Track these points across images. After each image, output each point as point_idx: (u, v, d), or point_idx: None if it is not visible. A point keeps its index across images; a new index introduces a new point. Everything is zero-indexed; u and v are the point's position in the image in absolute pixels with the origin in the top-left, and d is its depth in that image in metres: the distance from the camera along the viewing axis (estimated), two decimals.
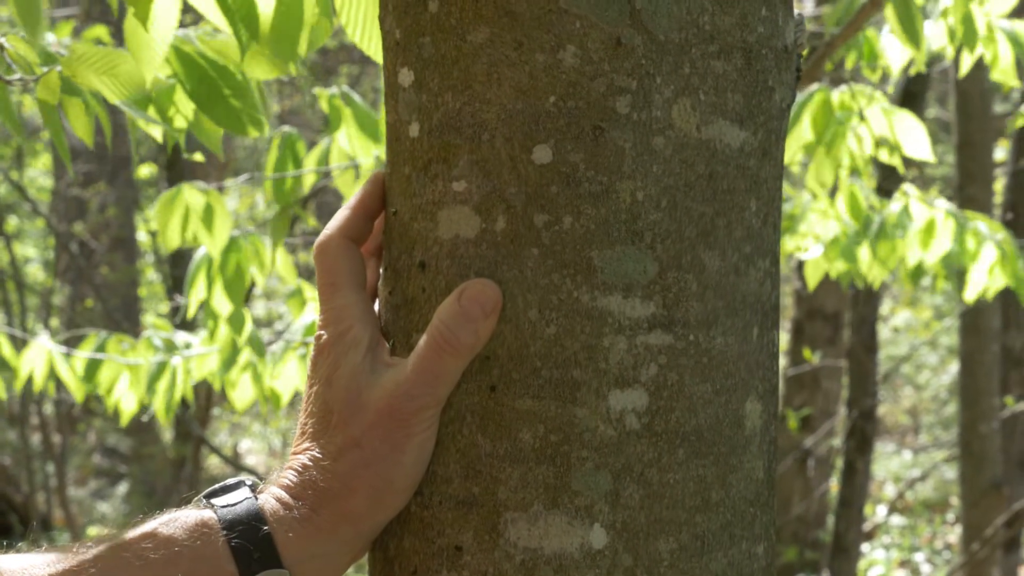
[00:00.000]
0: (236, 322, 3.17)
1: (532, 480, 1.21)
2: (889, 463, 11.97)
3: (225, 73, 1.88)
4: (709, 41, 1.23)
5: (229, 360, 3.29)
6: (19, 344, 4.09)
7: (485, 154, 1.22)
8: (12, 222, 11.60)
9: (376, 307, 1.32)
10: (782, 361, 9.58)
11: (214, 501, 1.27)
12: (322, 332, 1.29)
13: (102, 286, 11.77)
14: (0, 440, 11.71)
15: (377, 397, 1.23)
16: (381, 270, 1.33)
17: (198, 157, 2.42)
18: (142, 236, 12.72)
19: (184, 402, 3.54)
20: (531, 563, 1.21)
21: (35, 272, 13.35)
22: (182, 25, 1.88)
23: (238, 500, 1.27)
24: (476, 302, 1.21)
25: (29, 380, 3.52)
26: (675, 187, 1.22)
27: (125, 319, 10.50)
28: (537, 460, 1.21)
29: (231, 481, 1.30)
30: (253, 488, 1.28)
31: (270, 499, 1.26)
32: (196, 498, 1.30)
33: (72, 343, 3.56)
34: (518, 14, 1.20)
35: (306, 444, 1.28)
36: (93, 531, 11.13)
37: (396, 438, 1.23)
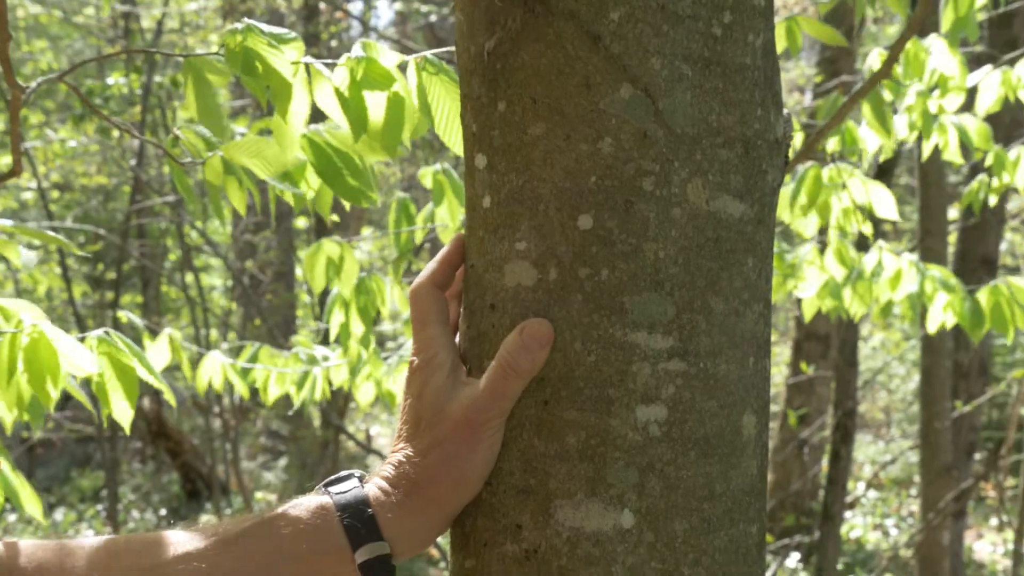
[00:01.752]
0: (365, 341, 3.20)
1: (576, 474, 1.20)
2: (867, 450, 11.90)
3: (346, 157, 1.88)
4: (716, 134, 1.21)
5: (355, 371, 3.32)
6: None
7: (541, 221, 1.21)
8: (201, 259, 11.67)
9: (456, 339, 1.31)
10: (784, 372, 9.54)
11: (330, 489, 1.27)
12: (414, 358, 1.28)
13: (267, 309, 11.85)
14: (191, 426, 11.77)
15: (456, 409, 1.23)
16: (461, 310, 1.31)
17: (335, 218, 2.42)
18: (298, 271, 12.91)
19: (333, 396, 3.60)
20: (575, 538, 1.19)
21: (217, 298, 13.45)
22: (314, 121, 1.88)
23: (348, 488, 1.27)
24: (534, 337, 1.20)
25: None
26: (689, 247, 1.20)
27: (283, 335, 10.55)
28: (580, 459, 1.19)
29: (344, 473, 1.30)
30: (360, 479, 1.28)
31: (373, 487, 1.26)
32: (317, 487, 1.29)
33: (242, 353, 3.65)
34: (567, 113, 1.19)
35: (401, 445, 1.27)
36: (259, 495, 11.20)
37: (471, 441, 1.22)
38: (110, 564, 1.22)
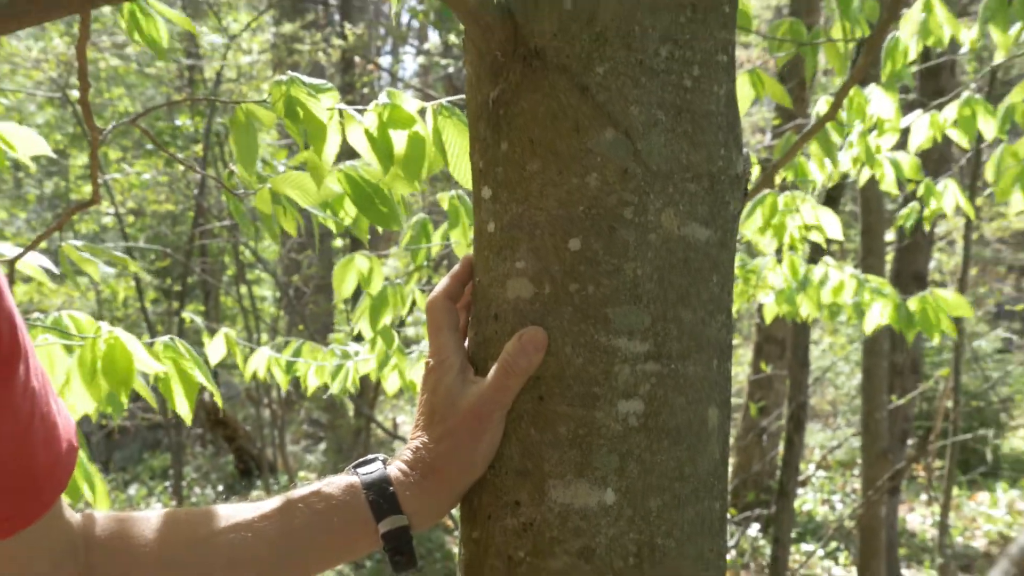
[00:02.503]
0: (387, 339, 3.20)
1: (566, 459, 1.19)
2: (816, 436, 11.87)
3: (376, 188, 1.89)
4: (686, 171, 1.21)
5: (382, 363, 3.32)
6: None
7: (537, 244, 1.20)
8: (253, 274, 11.69)
9: (465, 343, 1.31)
10: (747, 370, 9.52)
11: (358, 470, 1.28)
12: (429, 360, 1.29)
13: (308, 316, 11.82)
14: (244, 415, 11.76)
15: (465, 403, 1.23)
16: (469, 319, 1.31)
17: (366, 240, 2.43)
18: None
19: (361, 386, 3.60)
20: (565, 513, 1.19)
21: (267, 307, 13.45)
22: (349, 158, 1.89)
23: (373, 470, 1.27)
24: (531, 342, 1.20)
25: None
26: (663, 267, 1.20)
27: (322, 339, 10.57)
28: (570, 446, 1.19)
29: (369, 457, 1.30)
30: (384, 462, 1.28)
31: (394, 469, 1.27)
32: (347, 468, 1.30)
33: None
34: (560, 152, 1.19)
35: (418, 433, 1.28)
36: (302, 474, 11.18)
37: (477, 431, 1.22)
38: (170, 533, 1.22)
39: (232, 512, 1.25)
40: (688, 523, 1.22)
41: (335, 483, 1.27)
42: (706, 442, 1.23)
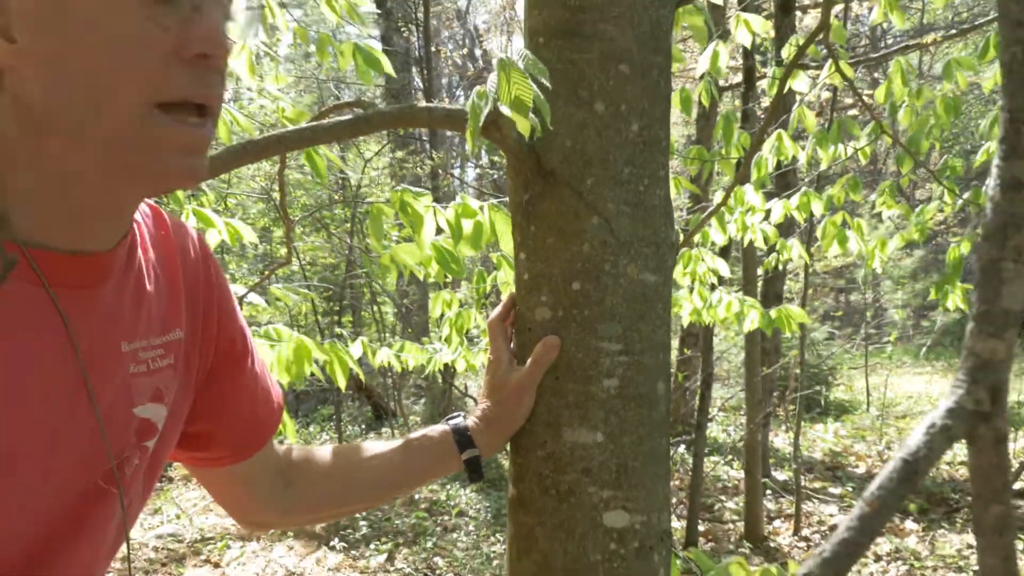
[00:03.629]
0: (459, 340, 3.18)
1: (573, 415, 1.17)
2: (719, 392, 11.76)
3: (451, 254, 1.88)
4: (641, 240, 1.19)
5: (455, 353, 3.30)
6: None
7: (553, 286, 1.19)
8: (381, 298, 11.66)
9: (511, 346, 1.28)
10: (674, 354, 9.47)
11: (448, 422, 1.26)
12: (490, 357, 1.27)
13: (414, 325, 11.80)
14: (376, 382, 11.67)
15: (512, 382, 1.20)
16: (513, 332, 1.28)
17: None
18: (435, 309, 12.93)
19: (445, 367, 3.55)
20: (572, 447, 1.17)
21: (389, 318, 13.39)
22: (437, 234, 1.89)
23: (458, 421, 1.25)
24: (550, 345, 1.18)
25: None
26: (629, 298, 1.18)
27: (422, 339, 10.58)
28: (575, 407, 1.17)
29: (455, 413, 1.28)
30: (464, 416, 1.26)
31: (470, 421, 1.25)
32: (442, 420, 1.27)
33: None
34: (565, 231, 1.18)
35: (483, 400, 1.25)
36: (412, 418, 11.10)
37: (518, 399, 1.20)
38: (336, 458, 1.22)
39: (373, 447, 1.24)
40: (646, 453, 1.20)
41: (435, 429, 1.25)
42: (657, 404, 1.22)
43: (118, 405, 0.86)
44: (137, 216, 0.91)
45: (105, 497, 0.85)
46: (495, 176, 14.47)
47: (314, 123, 1.12)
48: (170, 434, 0.95)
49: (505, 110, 1.01)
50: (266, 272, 2.15)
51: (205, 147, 0.80)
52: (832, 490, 7.19)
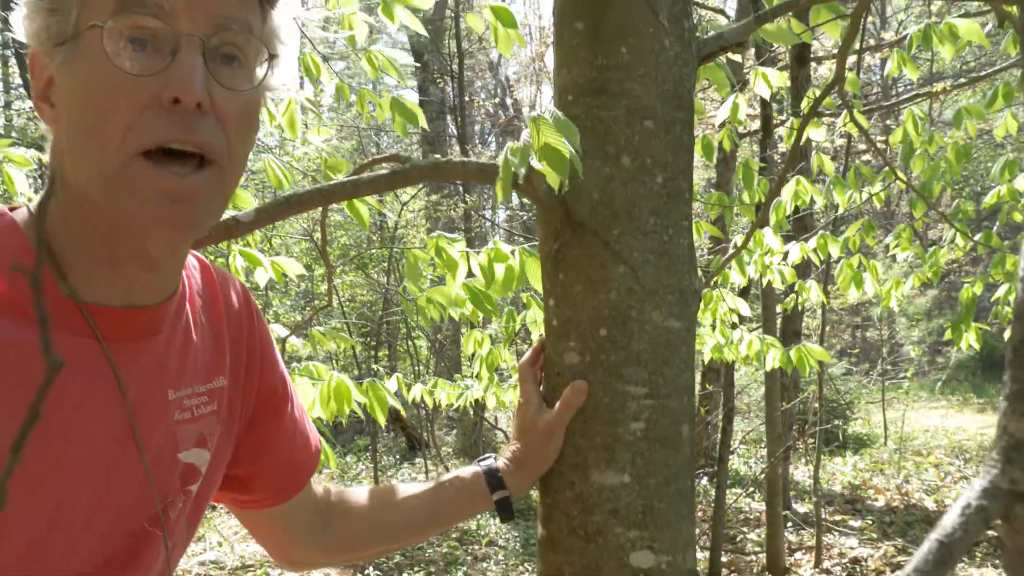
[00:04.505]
0: (490, 377, 3.16)
1: (600, 457, 1.16)
2: (740, 425, 11.60)
3: (485, 295, 1.87)
4: (665, 287, 1.18)
5: (486, 389, 3.28)
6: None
7: (581, 332, 1.18)
8: (416, 335, 11.68)
9: (540, 388, 1.26)
10: (698, 388, 9.38)
11: (480, 463, 1.24)
12: (520, 400, 1.25)
13: (448, 359, 11.81)
14: (411, 414, 11.64)
15: (541, 425, 1.19)
16: (543, 376, 1.26)
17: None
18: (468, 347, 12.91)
19: (476, 401, 3.54)
20: (600, 488, 1.15)
21: (424, 354, 13.39)
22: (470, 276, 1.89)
23: (489, 463, 1.23)
24: (578, 389, 1.16)
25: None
26: (655, 344, 1.17)
27: (454, 374, 10.58)
28: (603, 448, 1.16)
29: (486, 456, 1.26)
30: (495, 458, 1.24)
31: (501, 462, 1.23)
32: (474, 461, 1.26)
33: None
34: (593, 280, 1.17)
35: (514, 442, 1.23)
36: (445, 449, 11.05)
37: (547, 441, 1.18)
38: (371, 499, 1.20)
39: (407, 488, 1.22)
40: (672, 494, 1.17)
41: (467, 471, 1.23)
42: (681, 446, 1.19)
43: (164, 451, 0.86)
44: (186, 269, 0.92)
45: (150, 539, 0.85)
46: (525, 217, 14.52)
47: (355, 177, 1.13)
48: (213, 478, 0.95)
49: (536, 163, 1.00)
50: (308, 311, 2.16)
51: (191, 196, 0.76)
52: (852, 523, 7.04)
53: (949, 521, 0.39)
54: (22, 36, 0.78)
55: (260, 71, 0.81)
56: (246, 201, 2.13)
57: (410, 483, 1.24)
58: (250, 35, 0.79)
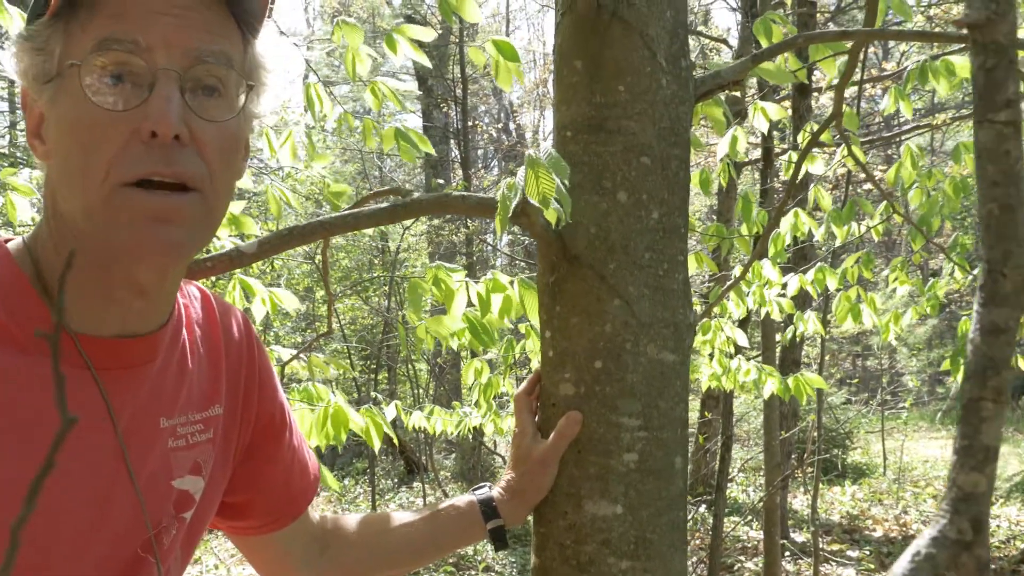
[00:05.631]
0: (488, 405, 3.17)
1: (594, 487, 1.16)
2: (738, 453, 11.55)
3: (483, 325, 1.88)
4: (660, 321, 1.19)
5: (484, 417, 3.28)
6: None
7: (576, 363, 1.19)
8: (416, 357, 11.65)
9: (536, 420, 1.27)
10: (695, 415, 9.35)
11: (475, 492, 1.25)
12: (516, 429, 1.26)
13: (449, 384, 11.79)
14: (410, 437, 11.59)
15: (536, 455, 1.20)
16: (538, 406, 1.28)
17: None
18: (468, 374, 12.92)
19: (475, 429, 3.54)
20: (593, 519, 1.16)
21: (423, 377, 13.36)
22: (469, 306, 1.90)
23: (484, 492, 1.24)
24: (573, 420, 1.17)
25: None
26: (648, 377, 1.18)
27: (453, 400, 10.56)
28: (596, 479, 1.16)
29: (481, 484, 1.27)
30: (489, 487, 1.25)
31: (496, 491, 1.23)
32: (469, 490, 1.26)
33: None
34: (590, 312, 1.18)
35: (509, 471, 1.24)
36: (443, 473, 11.01)
37: (542, 472, 1.19)
38: (367, 526, 1.21)
39: (403, 516, 1.23)
40: (664, 525, 1.18)
41: (462, 499, 1.24)
42: (674, 478, 1.20)
43: (157, 477, 0.87)
44: (185, 298, 0.93)
45: (144, 565, 0.86)
46: (527, 243, 14.56)
47: (356, 210, 1.15)
48: (208, 505, 0.96)
49: (532, 200, 1.02)
50: (309, 333, 2.18)
51: (175, 215, 0.76)
52: (850, 553, 7.00)
53: (899, 568, 0.41)
54: (12, 74, 0.80)
55: (242, 100, 0.82)
56: (248, 226, 2.15)
57: (406, 511, 1.25)
58: (229, 67, 0.80)
